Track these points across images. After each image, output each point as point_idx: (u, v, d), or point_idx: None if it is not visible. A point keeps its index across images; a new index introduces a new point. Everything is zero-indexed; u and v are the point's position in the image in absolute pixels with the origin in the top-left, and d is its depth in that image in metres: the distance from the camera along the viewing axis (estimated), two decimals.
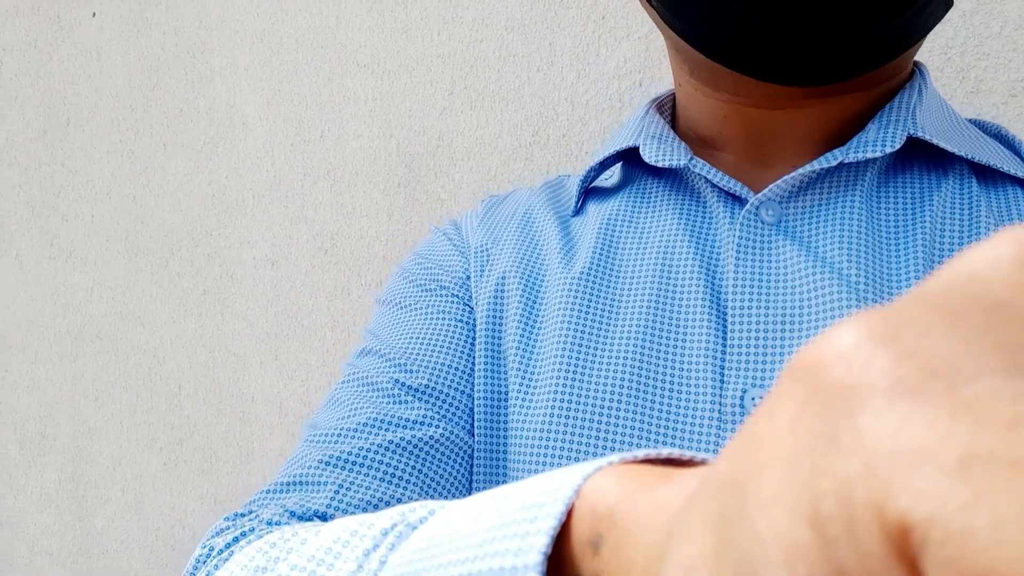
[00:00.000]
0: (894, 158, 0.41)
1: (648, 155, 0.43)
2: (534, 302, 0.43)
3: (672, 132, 0.44)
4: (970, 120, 0.46)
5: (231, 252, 1.02)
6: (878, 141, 0.38)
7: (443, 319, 0.44)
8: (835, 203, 0.39)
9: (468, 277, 0.46)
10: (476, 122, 0.84)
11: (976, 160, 0.40)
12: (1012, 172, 0.40)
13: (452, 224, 0.50)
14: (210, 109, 1.03)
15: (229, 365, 1.02)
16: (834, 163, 0.39)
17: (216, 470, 1.04)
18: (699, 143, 0.44)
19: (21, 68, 1.24)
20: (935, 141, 0.39)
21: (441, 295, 0.45)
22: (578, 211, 0.46)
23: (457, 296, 0.45)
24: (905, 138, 0.39)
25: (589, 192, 0.47)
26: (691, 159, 0.42)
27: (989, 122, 0.46)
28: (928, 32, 0.40)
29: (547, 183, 0.50)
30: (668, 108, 0.48)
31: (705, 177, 0.41)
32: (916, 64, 0.45)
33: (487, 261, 0.46)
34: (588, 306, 0.41)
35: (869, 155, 0.38)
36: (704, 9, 0.37)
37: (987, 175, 0.40)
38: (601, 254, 0.42)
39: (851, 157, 0.39)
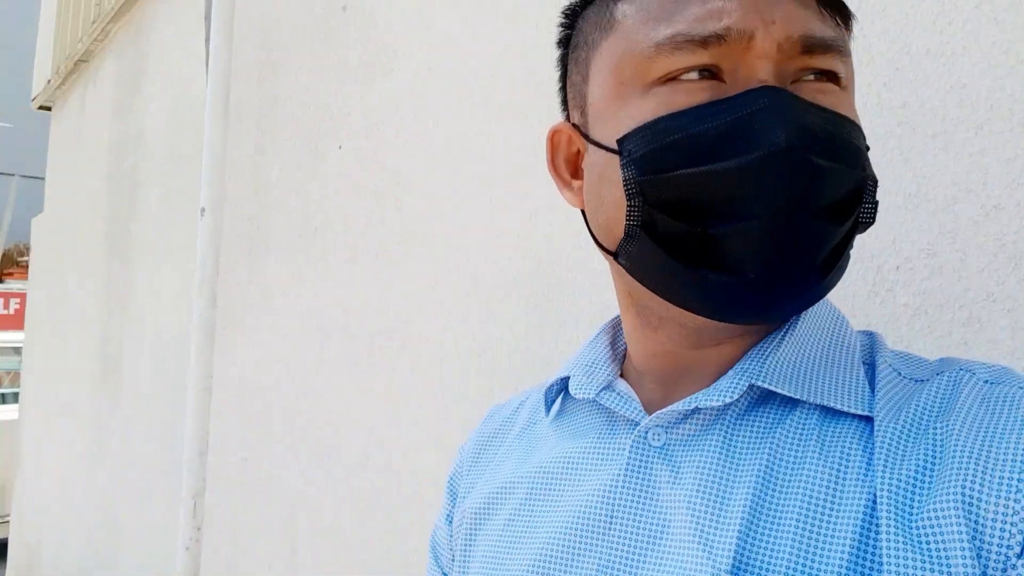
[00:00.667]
0: (758, 391, 0.45)
1: (572, 386, 0.51)
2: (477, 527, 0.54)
3: (608, 355, 0.52)
4: (863, 332, 0.49)
5: (412, 347, 1.24)
6: (724, 391, 0.43)
7: None
8: (702, 436, 0.44)
9: (450, 539, 0.57)
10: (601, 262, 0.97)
11: (811, 401, 0.43)
12: (847, 409, 0.42)
13: (458, 454, 0.61)
14: (404, 239, 1.27)
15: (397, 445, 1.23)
16: (690, 407, 0.44)
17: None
18: (632, 368, 0.51)
19: (288, 184, 1.60)
20: (774, 388, 0.43)
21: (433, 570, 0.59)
22: (548, 414, 0.55)
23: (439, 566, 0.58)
24: (745, 387, 0.43)
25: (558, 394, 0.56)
26: (599, 392, 0.49)
27: (876, 338, 0.48)
28: (838, 280, 0.45)
29: (540, 385, 0.59)
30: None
31: (607, 406, 0.49)
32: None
33: (468, 490, 0.57)
34: (512, 524, 0.50)
35: (713, 403, 0.43)
36: (704, 260, 0.42)
37: (831, 410, 0.43)
38: (532, 481, 0.50)
39: (701, 403, 0.44)
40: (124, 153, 2.70)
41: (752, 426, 0.44)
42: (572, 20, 0.51)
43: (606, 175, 0.45)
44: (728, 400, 0.43)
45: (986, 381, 0.41)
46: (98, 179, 2.98)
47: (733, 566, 0.39)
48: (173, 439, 1.92)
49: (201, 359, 1.38)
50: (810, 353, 0.45)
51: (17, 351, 4.90)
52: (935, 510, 0.36)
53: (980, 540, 0.35)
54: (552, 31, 0.54)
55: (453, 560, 0.56)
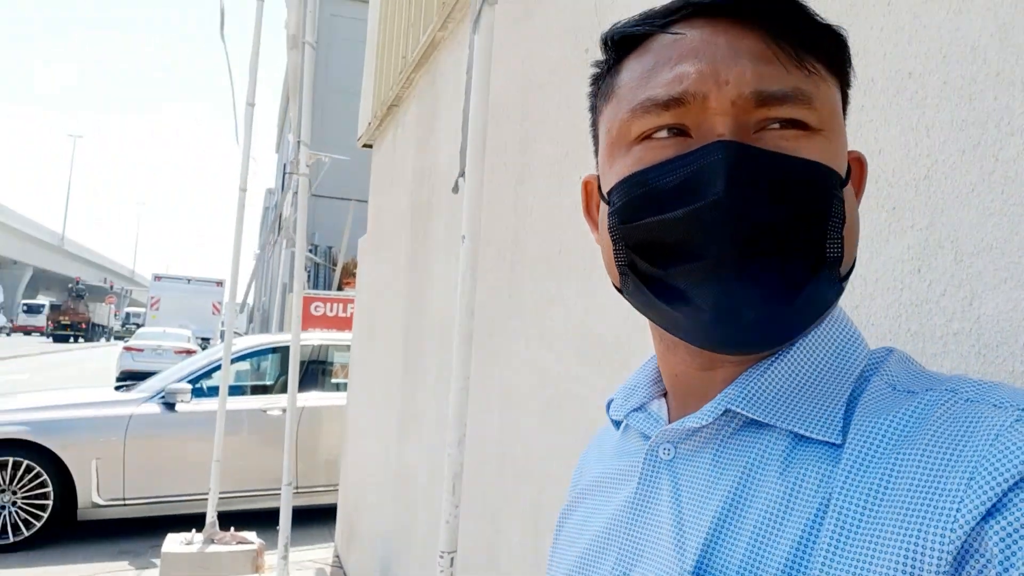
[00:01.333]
0: (745, 417, 0.49)
1: (612, 409, 0.59)
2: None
3: (652, 378, 0.58)
4: (881, 349, 0.50)
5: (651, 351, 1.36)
6: (703, 414, 0.49)
7: None
8: (700, 452, 0.50)
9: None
10: None
11: (781, 427, 0.47)
12: (813, 436, 0.45)
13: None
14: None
15: None
16: (682, 426, 0.50)
17: None
18: (668, 387, 0.57)
19: (541, 211, 1.82)
20: (747, 413, 0.47)
21: None
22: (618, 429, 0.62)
23: None
24: (720, 412, 0.48)
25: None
26: (629, 413, 0.56)
27: (878, 358, 0.49)
28: (819, 316, 0.48)
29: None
30: None
31: (634, 426, 0.56)
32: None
33: (572, 489, 0.65)
34: (580, 519, 0.59)
35: (693, 425, 0.49)
36: (675, 299, 0.48)
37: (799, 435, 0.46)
38: (591, 491, 0.59)
39: (688, 423, 0.50)
40: (422, 184, 3.17)
41: (735, 447, 0.48)
42: (594, 89, 0.57)
43: (604, 222, 0.52)
44: (705, 422, 0.48)
45: (967, 400, 0.42)
46: (404, 206, 3.51)
47: (696, 567, 0.45)
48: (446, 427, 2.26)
49: (461, 361, 1.63)
50: (795, 379, 0.48)
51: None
52: (874, 553, 0.39)
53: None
54: None
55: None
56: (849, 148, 0.53)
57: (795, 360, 0.49)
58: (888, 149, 0.91)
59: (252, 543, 4.04)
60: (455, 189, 1.79)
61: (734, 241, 0.44)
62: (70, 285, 50.32)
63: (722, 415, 0.49)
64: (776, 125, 0.47)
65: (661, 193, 0.47)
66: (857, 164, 0.55)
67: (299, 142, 3.27)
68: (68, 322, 42.95)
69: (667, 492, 0.50)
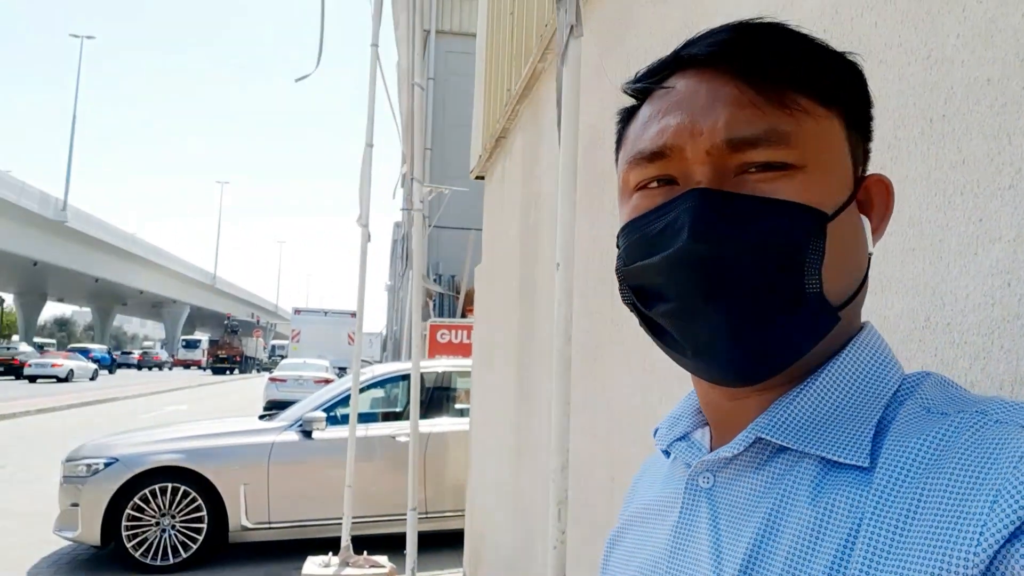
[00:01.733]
0: (776, 445, 0.49)
1: (656, 438, 0.60)
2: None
3: (696, 407, 0.59)
4: (916, 374, 0.50)
5: None
6: (736, 444, 0.50)
7: None
8: (736, 480, 0.51)
9: None
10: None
11: (812, 453, 0.47)
12: (843, 461, 0.46)
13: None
14: None
15: None
16: (716, 457, 0.51)
17: None
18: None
19: None
20: (778, 441, 0.48)
21: None
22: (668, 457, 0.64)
23: None
24: (751, 440, 0.49)
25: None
26: (672, 443, 0.58)
27: (911, 382, 0.49)
28: (814, 344, 0.49)
29: None
30: None
31: (677, 455, 0.57)
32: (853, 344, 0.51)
33: (625, 509, 0.67)
34: (630, 545, 0.61)
35: (726, 454, 0.51)
36: (665, 336, 0.52)
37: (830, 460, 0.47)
38: (639, 518, 0.61)
39: (721, 454, 0.51)
40: (528, 212, 3.24)
41: (768, 475, 0.50)
42: (616, 138, 0.61)
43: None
44: (737, 452, 0.50)
45: (996, 421, 0.42)
46: (514, 234, 3.59)
47: None
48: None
49: (560, 387, 1.67)
50: (823, 405, 0.49)
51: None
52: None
53: None
54: None
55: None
56: (877, 172, 0.54)
57: (823, 386, 0.50)
58: (971, 159, 0.87)
59: (384, 567, 4.20)
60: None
61: (698, 283, 0.47)
62: (225, 321, 54.78)
63: (753, 444, 0.50)
64: (757, 166, 0.48)
65: (647, 239, 0.51)
66: (880, 187, 0.56)
67: (412, 179, 3.43)
68: (225, 355, 47.42)
69: (706, 520, 0.52)
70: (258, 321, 65.30)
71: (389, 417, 6.61)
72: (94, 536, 5.30)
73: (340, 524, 4.70)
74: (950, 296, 0.89)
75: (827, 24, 1.17)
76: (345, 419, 5.76)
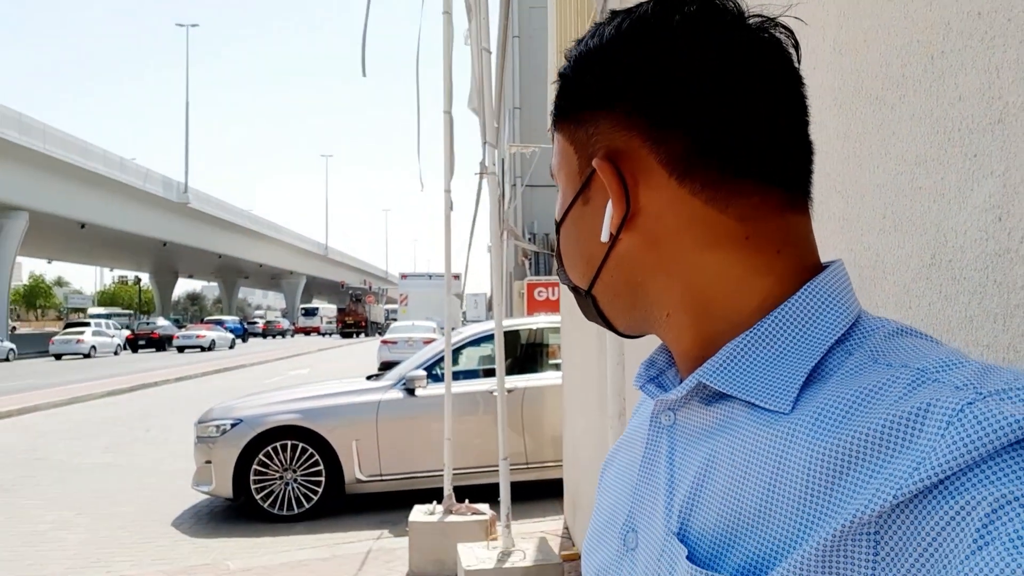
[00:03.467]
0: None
1: (636, 375, 0.63)
2: None
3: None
4: (874, 319, 0.51)
5: None
6: (681, 388, 0.53)
7: None
8: (687, 419, 0.54)
9: None
10: None
11: (740, 398, 0.50)
12: (768, 406, 0.48)
13: None
14: None
15: None
16: (667, 397, 0.55)
17: None
18: None
19: None
20: (714, 385, 0.50)
21: None
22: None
23: None
24: (694, 385, 0.52)
25: None
26: (644, 384, 0.60)
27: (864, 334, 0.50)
28: (597, 315, 0.60)
29: None
30: None
31: (647, 395, 0.61)
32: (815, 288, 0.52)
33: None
34: (613, 474, 0.66)
35: (672, 397, 0.54)
36: None
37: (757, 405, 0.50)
38: (621, 446, 0.67)
39: (667, 397, 0.55)
40: None
41: (710, 415, 0.53)
42: None
43: None
44: (680, 395, 0.53)
45: (934, 380, 0.42)
46: None
47: (679, 529, 0.51)
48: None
49: (614, 338, 1.73)
50: (764, 350, 0.51)
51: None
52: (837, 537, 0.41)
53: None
54: None
55: None
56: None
57: (765, 332, 0.51)
58: (967, 95, 0.87)
59: (484, 514, 4.41)
60: None
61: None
62: (348, 290, 58.30)
63: (696, 387, 0.53)
64: None
65: None
66: (603, 169, 0.54)
67: (485, 143, 3.51)
68: (352, 322, 52.83)
69: (664, 455, 0.55)
70: (370, 287, 67.76)
71: (490, 373, 6.82)
72: (227, 489, 5.82)
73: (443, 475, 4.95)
74: (951, 233, 0.90)
75: None
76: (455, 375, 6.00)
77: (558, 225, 0.59)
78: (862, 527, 0.40)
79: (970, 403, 0.39)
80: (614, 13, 0.55)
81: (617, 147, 0.53)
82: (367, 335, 51.69)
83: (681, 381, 0.59)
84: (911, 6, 0.98)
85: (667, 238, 0.53)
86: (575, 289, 0.60)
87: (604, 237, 0.54)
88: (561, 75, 0.57)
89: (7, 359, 30.38)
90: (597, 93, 0.54)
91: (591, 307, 0.59)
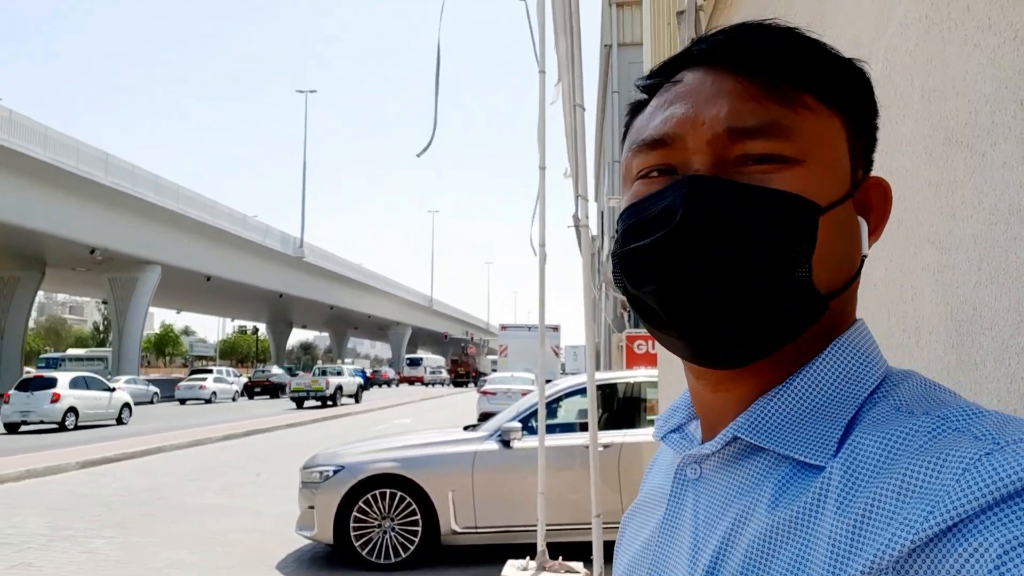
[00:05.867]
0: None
1: (655, 426, 0.62)
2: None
3: (691, 400, 0.59)
4: (898, 372, 0.50)
5: None
6: (716, 442, 0.51)
7: None
8: (717, 473, 0.53)
9: None
10: None
11: (781, 453, 0.48)
12: (809, 461, 0.47)
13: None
14: None
15: None
16: (700, 451, 0.53)
17: None
18: None
19: None
20: (752, 440, 0.49)
21: None
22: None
23: None
24: (729, 439, 0.51)
25: None
26: (666, 435, 0.59)
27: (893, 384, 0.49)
28: (799, 331, 0.50)
29: None
30: None
31: (670, 447, 0.59)
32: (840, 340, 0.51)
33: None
34: (631, 534, 0.63)
35: (705, 452, 0.52)
36: (652, 317, 0.53)
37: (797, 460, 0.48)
38: (641, 504, 0.64)
39: (700, 451, 0.53)
40: None
41: (744, 472, 0.51)
42: (624, 131, 0.62)
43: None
44: (715, 449, 0.52)
45: (954, 430, 0.43)
46: None
47: None
48: None
49: None
50: (800, 404, 0.50)
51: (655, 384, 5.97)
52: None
53: None
54: None
55: None
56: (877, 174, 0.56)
57: (802, 385, 0.50)
58: None
59: (578, 572, 4.32)
60: None
61: (686, 263, 0.49)
62: (462, 342, 61.40)
63: (731, 442, 0.52)
64: (754, 158, 0.50)
65: (642, 223, 0.52)
66: (879, 190, 0.56)
67: (578, 196, 3.56)
68: (463, 372, 57.04)
69: (690, 511, 0.54)
70: (472, 338, 68.81)
71: (586, 427, 6.74)
72: (328, 535, 5.94)
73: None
74: (1001, 275, 0.84)
75: (927, 10, 1.13)
76: (548, 429, 5.97)
77: (817, 208, 0.49)
78: (881, 572, 0.40)
79: (988, 453, 0.40)
80: None
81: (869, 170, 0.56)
82: (475, 384, 53.45)
83: (703, 433, 0.58)
84: (998, 52, 0.94)
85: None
86: (805, 287, 0.49)
87: (865, 249, 0.53)
88: (829, 54, 0.53)
89: (151, 402, 31.87)
90: (871, 109, 0.55)
91: (803, 319, 0.50)
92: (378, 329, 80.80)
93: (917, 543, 0.39)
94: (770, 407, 0.50)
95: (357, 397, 32.70)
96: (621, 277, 0.54)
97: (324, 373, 31.00)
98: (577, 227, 3.64)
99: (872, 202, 0.55)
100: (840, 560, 0.42)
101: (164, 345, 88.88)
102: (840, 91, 0.53)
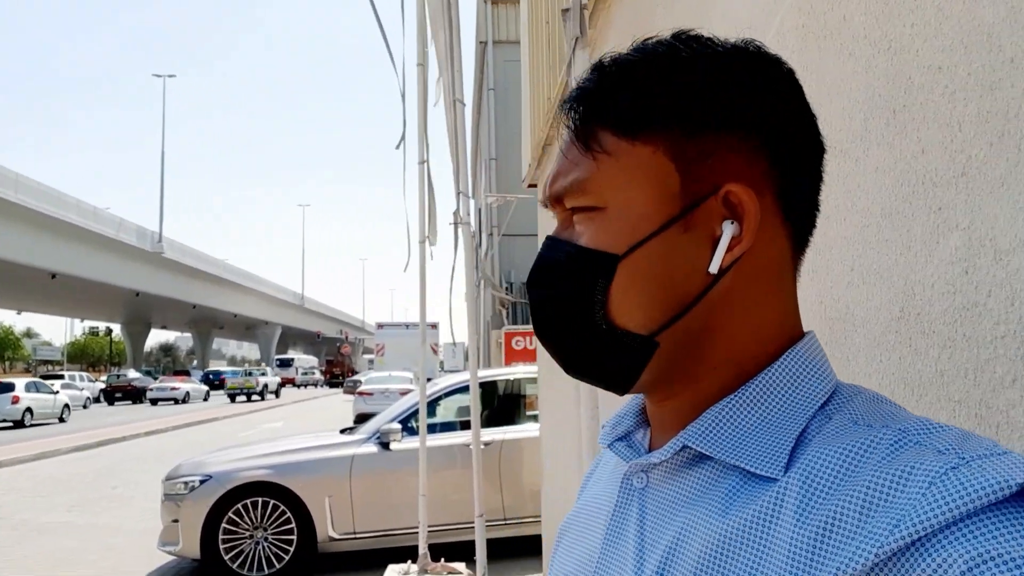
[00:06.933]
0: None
1: (600, 436, 0.62)
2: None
3: (640, 407, 0.60)
4: (845, 390, 0.50)
5: None
6: (665, 451, 0.51)
7: None
8: (662, 484, 0.53)
9: None
10: None
11: (728, 462, 0.48)
12: (759, 472, 0.47)
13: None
14: None
15: None
16: (647, 460, 0.53)
17: None
18: None
19: None
20: (702, 450, 0.49)
21: None
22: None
23: None
24: (678, 448, 0.50)
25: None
26: (613, 442, 0.58)
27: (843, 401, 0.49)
28: (639, 367, 0.51)
29: None
30: None
31: (616, 454, 0.58)
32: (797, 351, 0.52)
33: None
34: (565, 547, 0.62)
35: (654, 460, 0.52)
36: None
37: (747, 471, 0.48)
38: (579, 514, 0.63)
39: (650, 460, 0.52)
40: None
41: (688, 482, 0.51)
42: None
43: None
44: (664, 458, 0.52)
45: (916, 443, 0.43)
46: None
47: None
48: None
49: (588, 445, 1.70)
50: (750, 415, 0.50)
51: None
52: None
53: None
54: None
55: None
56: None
57: (751, 396, 0.50)
58: (930, 148, 0.87)
59: (461, 573, 4.29)
60: None
61: (533, 311, 0.56)
62: (338, 342, 60.04)
63: (680, 450, 0.51)
64: (576, 212, 0.53)
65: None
66: (739, 196, 0.50)
67: (459, 192, 3.52)
68: (339, 372, 55.63)
69: (635, 520, 0.53)
70: (347, 337, 67.40)
71: (468, 425, 6.72)
72: (194, 550, 5.61)
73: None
74: (919, 286, 0.89)
75: (804, 20, 1.17)
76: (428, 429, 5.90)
77: (613, 258, 0.50)
78: None
79: (953, 467, 0.40)
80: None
81: (742, 175, 0.50)
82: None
83: (651, 442, 0.57)
84: (873, 61, 0.98)
85: (757, 278, 0.52)
86: (615, 335, 0.50)
87: (714, 268, 0.49)
88: (641, 81, 0.51)
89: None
90: (723, 113, 0.50)
91: (634, 359, 0.51)
92: (245, 329, 77.50)
93: (882, 556, 0.38)
94: (720, 417, 0.50)
95: (277, 393, 41.13)
96: None
97: (250, 374, 39.89)
98: (457, 224, 3.60)
99: (738, 208, 0.51)
100: (800, 572, 0.41)
101: (3, 349, 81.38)
102: (649, 114, 0.50)
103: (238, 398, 37.13)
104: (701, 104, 0.50)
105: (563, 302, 0.52)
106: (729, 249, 0.50)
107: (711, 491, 0.49)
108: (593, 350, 0.52)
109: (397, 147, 3.65)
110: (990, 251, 0.77)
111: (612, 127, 0.51)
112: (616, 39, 2.25)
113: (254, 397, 37.54)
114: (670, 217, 0.50)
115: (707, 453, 0.49)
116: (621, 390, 0.54)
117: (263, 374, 42.15)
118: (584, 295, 0.51)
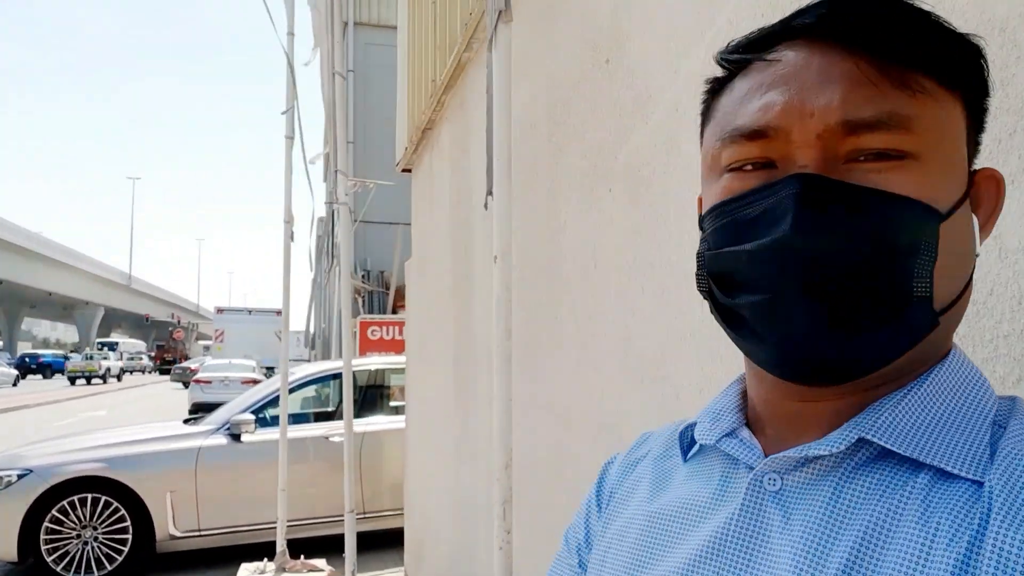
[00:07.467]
0: (876, 448, 0.45)
1: (698, 433, 0.55)
2: (616, 533, 0.59)
3: (737, 404, 0.54)
4: (1002, 399, 0.47)
5: (681, 374, 1.32)
6: (833, 442, 0.45)
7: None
8: (816, 485, 0.46)
9: (589, 533, 0.63)
10: None
11: (924, 462, 0.43)
12: (959, 473, 0.42)
13: (610, 462, 0.68)
14: (672, 270, 1.35)
15: None
16: (800, 455, 0.46)
17: None
18: (755, 414, 0.54)
19: (575, 226, 1.78)
20: (885, 444, 0.44)
21: (568, 559, 0.65)
22: (685, 458, 0.58)
23: (578, 558, 0.63)
24: (853, 440, 0.45)
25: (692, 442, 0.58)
26: (720, 439, 0.52)
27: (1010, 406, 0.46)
28: (907, 349, 0.45)
29: (678, 423, 0.62)
30: None
31: (728, 452, 0.52)
32: (953, 353, 0.48)
33: (609, 502, 0.62)
34: (644, 545, 0.54)
35: (822, 452, 0.45)
36: (743, 328, 0.48)
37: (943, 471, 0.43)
38: (655, 520, 0.55)
39: (812, 451, 0.45)
40: (459, 205, 3.18)
41: (863, 482, 0.45)
42: (702, 108, 0.55)
43: (699, 246, 0.53)
44: (835, 450, 0.45)
45: None
46: (444, 229, 3.53)
47: None
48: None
49: (502, 384, 1.62)
50: (932, 413, 0.45)
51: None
52: None
53: None
54: None
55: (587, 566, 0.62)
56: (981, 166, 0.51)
57: (929, 394, 0.46)
58: None
59: (323, 570, 4.09)
60: (485, 206, 1.78)
61: (797, 279, 0.44)
62: (169, 326, 56.18)
63: (853, 444, 0.46)
64: (868, 155, 0.44)
65: (740, 225, 0.47)
66: (991, 183, 0.50)
67: (336, 171, 3.32)
68: (171, 358, 52.00)
69: (777, 527, 0.47)
70: (179, 322, 63.42)
71: (321, 417, 6.45)
72: (11, 552, 4.99)
73: (274, 528, 4.55)
74: None
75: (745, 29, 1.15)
76: (276, 421, 5.56)
77: (937, 216, 0.44)
78: None
79: None
80: None
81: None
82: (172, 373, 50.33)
83: (765, 443, 0.51)
84: None
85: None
86: (915, 305, 0.44)
87: (977, 249, 0.48)
88: (973, 41, 0.47)
89: None
90: (961, 75, 0.47)
91: (912, 337, 0.45)
92: (62, 309, 70.78)
93: None
94: (898, 411, 0.45)
95: (119, 377, 40.66)
96: (707, 282, 0.50)
97: (91, 358, 38.02)
98: (334, 204, 3.40)
99: (982, 197, 0.50)
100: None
101: None
102: (961, 72, 0.47)
103: (78, 381, 36.35)
104: (986, 68, 0.48)
105: (877, 256, 0.43)
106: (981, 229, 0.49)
107: (896, 491, 0.44)
108: (881, 319, 0.44)
109: (283, 113, 3.38)
110: (995, 250, 0.76)
111: (933, 70, 0.45)
112: (533, 19, 2.18)
113: (95, 380, 36.72)
114: (966, 187, 0.47)
115: (892, 448, 0.44)
116: (857, 373, 0.45)
117: (105, 358, 41.10)
118: (909, 253, 0.43)
